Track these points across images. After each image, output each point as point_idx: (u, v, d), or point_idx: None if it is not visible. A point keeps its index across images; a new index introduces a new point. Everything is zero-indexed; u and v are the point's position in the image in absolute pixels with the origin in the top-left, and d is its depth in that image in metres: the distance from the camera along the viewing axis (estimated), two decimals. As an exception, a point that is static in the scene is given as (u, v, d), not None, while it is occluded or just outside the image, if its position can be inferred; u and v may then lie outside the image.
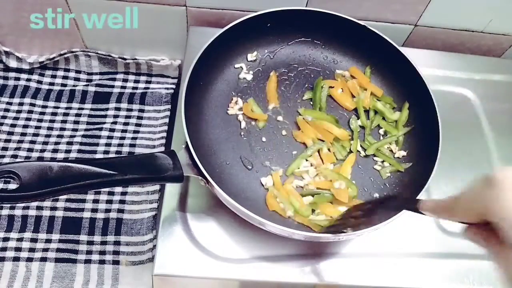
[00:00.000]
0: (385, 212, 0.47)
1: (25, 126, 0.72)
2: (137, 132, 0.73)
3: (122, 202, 0.67)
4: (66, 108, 0.75)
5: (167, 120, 0.75)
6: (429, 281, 0.54)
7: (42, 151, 0.70)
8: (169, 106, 0.76)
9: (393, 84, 0.63)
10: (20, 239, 0.63)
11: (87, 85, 0.77)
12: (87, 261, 0.62)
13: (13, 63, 0.76)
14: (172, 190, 0.57)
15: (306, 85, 0.63)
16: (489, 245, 0.31)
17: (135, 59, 0.77)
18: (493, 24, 0.71)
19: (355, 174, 0.57)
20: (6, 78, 0.77)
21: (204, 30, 0.70)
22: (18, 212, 0.64)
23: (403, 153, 0.59)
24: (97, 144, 0.71)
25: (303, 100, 0.62)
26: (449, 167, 0.60)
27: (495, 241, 0.29)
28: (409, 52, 0.60)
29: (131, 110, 0.75)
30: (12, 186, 0.63)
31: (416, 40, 0.75)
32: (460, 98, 0.70)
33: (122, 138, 0.72)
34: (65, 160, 0.68)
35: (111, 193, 0.67)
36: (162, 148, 0.72)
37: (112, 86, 0.78)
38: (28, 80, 0.77)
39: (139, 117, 0.75)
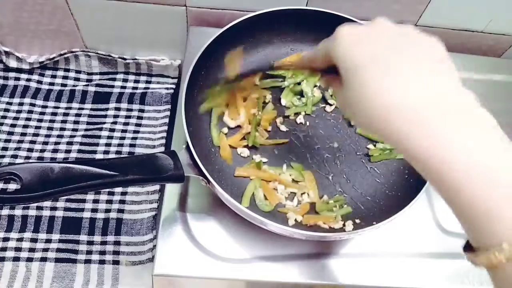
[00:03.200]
0: None
1: (25, 126, 0.72)
2: (137, 132, 0.73)
3: (122, 202, 0.67)
4: (66, 108, 0.75)
5: (167, 120, 0.75)
6: (429, 281, 0.54)
7: (42, 151, 0.70)
8: (169, 106, 0.76)
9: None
10: (20, 239, 0.63)
11: (87, 85, 0.77)
12: (87, 261, 0.62)
13: (13, 63, 0.76)
14: (172, 190, 0.57)
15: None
16: (334, 86, 0.40)
17: (135, 59, 0.77)
18: (493, 24, 0.71)
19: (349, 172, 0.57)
20: (6, 78, 0.77)
21: (204, 30, 0.70)
22: (18, 212, 0.64)
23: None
24: (97, 144, 0.71)
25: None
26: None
27: (337, 83, 0.37)
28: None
29: (131, 110, 0.75)
30: (13, 186, 0.64)
31: (416, 40, 0.74)
32: (460, 98, 0.70)
33: (122, 138, 0.72)
34: (66, 161, 0.68)
35: (111, 193, 0.67)
36: (162, 148, 0.72)
37: (112, 86, 0.78)
38: (28, 80, 0.77)
39: (139, 117, 0.75)
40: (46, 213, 0.64)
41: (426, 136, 0.30)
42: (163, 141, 0.73)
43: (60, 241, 0.63)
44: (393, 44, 0.34)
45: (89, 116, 0.74)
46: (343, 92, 0.36)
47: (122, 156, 0.70)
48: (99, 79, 0.78)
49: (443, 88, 0.32)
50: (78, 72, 0.79)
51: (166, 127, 0.74)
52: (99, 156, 0.70)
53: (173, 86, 0.78)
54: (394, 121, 0.31)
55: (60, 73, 0.78)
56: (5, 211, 0.64)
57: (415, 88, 0.31)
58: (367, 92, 0.33)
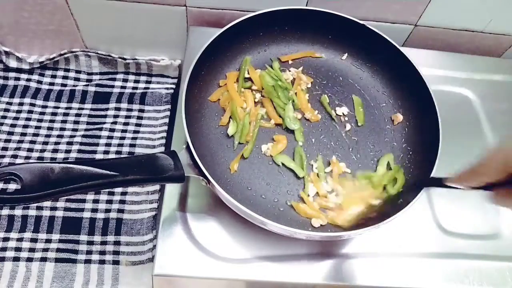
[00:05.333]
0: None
1: (25, 126, 0.72)
2: (137, 132, 0.73)
3: (122, 202, 0.67)
4: (66, 108, 0.75)
5: (167, 120, 0.75)
6: (429, 281, 0.54)
7: (42, 151, 0.70)
8: (169, 106, 0.76)
9: (393, 84, 0.64)
10: (20, 239, 0.63)
11: (87, 85, 0.77)
12: (87, 261, 0.62)
13: (13, 63, 0.76)
14: (172, 190, 0.57)
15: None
16: None
17: (135, 59, 0.77)
18: (493, 24, 0.71)
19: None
20: (6, 78, 0.77)
21: (204, 30, 0.70)
22: (18, 212, 0.64)
23: None
24: (97, 144, 0.71)
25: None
26: (449, 167, 0.60)
27: None
28: (409, 52, 0.60)
29: (131, 110, 0.75)
30: (13, 186, 0.64)
31: (416, 40, 0.75)
32: (460, 98, 0.70)
33: (122, 138, 0.72)
34: (66, 161, 0.68)
35: (111, 193, 0.67)
36: (162, 148, 0.72)
37: (112, 86, 0.78)
38: (28, 80, 0.77)
39: (139, 117, 0.75)
40: (46, 213, 0.64)
41: None
42: (163, 141, 0.73)
43: (60, 241, 0.63)
44: None
45: (89, 116, 0.74)
46: None
47: (122, 156, 0.70)
48: (99, 79, 0.78)
49: None
50: (78, 72, 0.79)
51: (166, 127, 0.74)
52: (99, 156, 0.70)
53: (173, 86, 0.78)
54: None
55: (60, 73, 0.78)
56: (5, 211, 0.64)
57: None
58: None
